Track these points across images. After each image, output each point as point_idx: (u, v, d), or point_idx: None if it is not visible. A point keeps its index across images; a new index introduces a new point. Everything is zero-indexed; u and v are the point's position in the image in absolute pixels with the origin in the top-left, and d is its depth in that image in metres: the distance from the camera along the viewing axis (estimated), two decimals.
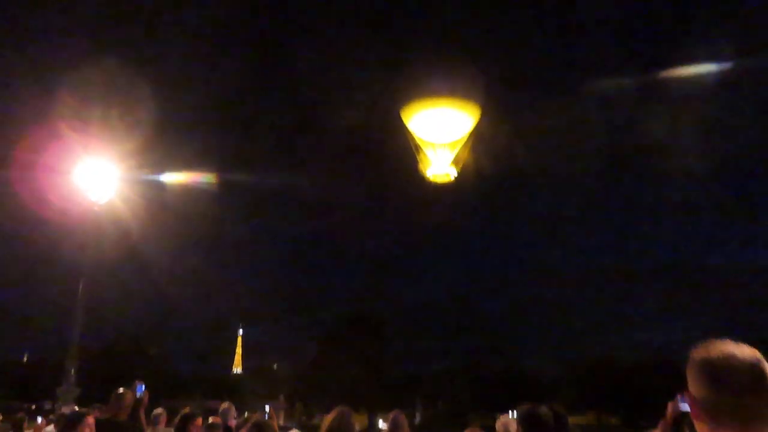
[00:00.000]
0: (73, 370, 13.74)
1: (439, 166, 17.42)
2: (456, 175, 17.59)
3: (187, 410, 6.62)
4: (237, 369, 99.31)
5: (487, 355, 64.89)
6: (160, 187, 18.67)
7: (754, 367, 1.50)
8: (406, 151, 17.69)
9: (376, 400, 48.52)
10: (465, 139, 17.27)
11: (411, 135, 17.22)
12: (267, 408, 34.84)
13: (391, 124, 18.04)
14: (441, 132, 17.02)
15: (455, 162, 17.50)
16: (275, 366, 65.32)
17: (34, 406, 46.00)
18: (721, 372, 1.52)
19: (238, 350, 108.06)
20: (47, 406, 41.46)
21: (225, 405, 8.06)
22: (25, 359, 60.25)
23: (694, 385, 1.57)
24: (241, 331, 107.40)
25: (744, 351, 1.53)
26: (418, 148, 17.48)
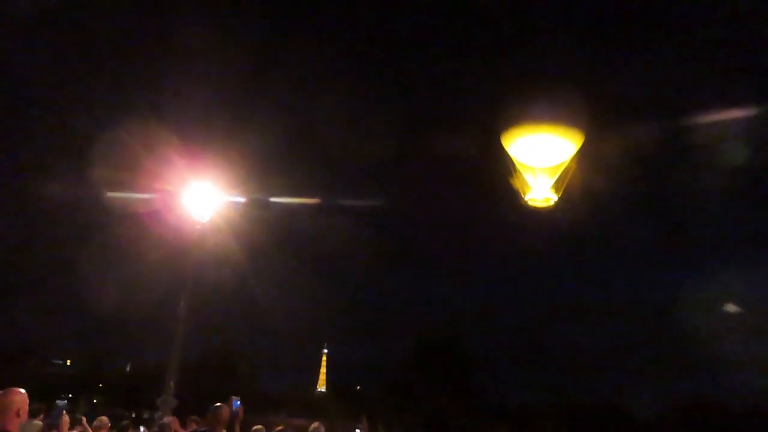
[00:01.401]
0: (172, 383, 14.42)
1: (539, 190, 17.02)
2: (556, 200, 17.12)
3: (281, 428, 6.76)
4: (321, 388, 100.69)
5: (579, 389, 61.94)
6: (259, 207, 19.54)
7: None
8: (502, 174, 17.40)
9: (458, 429, 47.44)
10: (567, 164, 16.78)
11: (510, 158, 16.94)
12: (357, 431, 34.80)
13: (490, 145, 17.84)
14: (542, 156, 16.64)
15: (556, 187, 17.04)
16: (359, 387, 65.63)
17: (134, 415, 48.70)
18: None
19: (323, 369, 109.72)
20: (146, 415, 43.73)
21: (315, 425, 8.15)
22: (128, 369, 63.97)
23: None
24: (326, 350, 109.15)
25: None
26: (517, 171, 17.16)
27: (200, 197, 15.23)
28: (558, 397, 54.99)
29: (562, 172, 17.03)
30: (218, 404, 6.41)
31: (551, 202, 17.21)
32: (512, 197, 17.67)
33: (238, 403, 6.68)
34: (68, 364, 66.54)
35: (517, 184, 17.40)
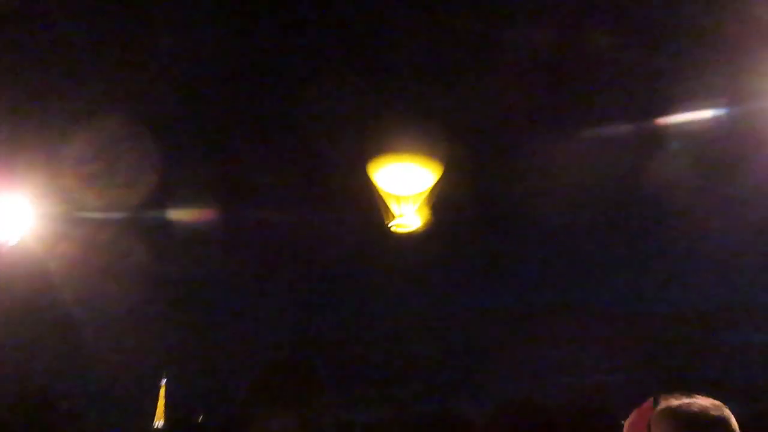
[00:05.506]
0: None
1: (403, 217, 17.90)
2: (419, 225, 18.09)
3: None
4: (159, 422, 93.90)
5: (421, 400, 64.47)
6: (80, 224, 17.57)
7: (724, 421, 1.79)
8: (367, 199, 18.00)
9: None
10: (429, 191, 17.83)
11: (375, 186, 17.64)
12: None
13: (354, 171, 18.37)
14: (405, 184, 17.59)
15: (419, 213, 18.01)
16: (201, 417, 62.30)
17: None
18: (696, 421, 1.72)
19: (161, 402, 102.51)
20: None
21: None
22: None
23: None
24: (164, 381, 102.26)
25: (714, 404, 1.82)
26: (382, 199, 17.88)
27: (7, 213, 13.26)
28: (400, 409, 56.95)
29: (425, 199, 18.16)
30: None
31: (414, 227, 18.22)
32: (375, 222, 18.38)
33: None
34: None
35: (382, 210, 18.18)
